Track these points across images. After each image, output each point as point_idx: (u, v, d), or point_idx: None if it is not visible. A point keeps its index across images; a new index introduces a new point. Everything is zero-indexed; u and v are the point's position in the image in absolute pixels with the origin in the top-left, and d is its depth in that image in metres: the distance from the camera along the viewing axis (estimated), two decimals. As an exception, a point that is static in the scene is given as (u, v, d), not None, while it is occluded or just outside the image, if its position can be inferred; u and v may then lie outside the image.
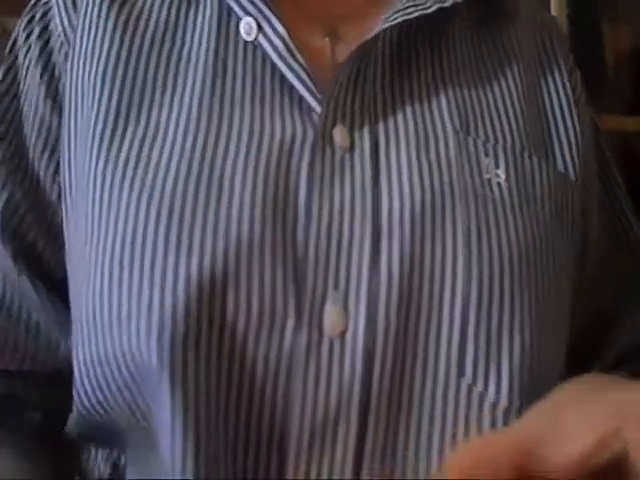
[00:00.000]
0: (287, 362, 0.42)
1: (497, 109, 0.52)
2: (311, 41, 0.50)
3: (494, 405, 0.43)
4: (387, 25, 0.48)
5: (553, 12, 1.11)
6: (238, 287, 0.42)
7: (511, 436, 0.26)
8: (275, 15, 0.47)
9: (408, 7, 0.49)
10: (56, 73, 0.51)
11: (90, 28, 0.50)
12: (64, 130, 0.50)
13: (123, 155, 0.45)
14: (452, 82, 0.51)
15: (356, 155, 0.46)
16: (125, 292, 0.42)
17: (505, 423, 0.44)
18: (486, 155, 0.49)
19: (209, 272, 0.41)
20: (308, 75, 0.46)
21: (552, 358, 0.48)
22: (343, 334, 0.42)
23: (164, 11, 0.50)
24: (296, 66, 0.47)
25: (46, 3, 0.53)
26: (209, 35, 0.49)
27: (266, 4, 0.48)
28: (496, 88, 0.53)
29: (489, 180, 0.47)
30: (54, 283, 0.52)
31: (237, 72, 0.48)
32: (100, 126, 0.47)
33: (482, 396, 0.43)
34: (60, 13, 0.51)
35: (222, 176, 0.44)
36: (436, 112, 0.49)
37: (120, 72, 0.48)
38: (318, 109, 0.46)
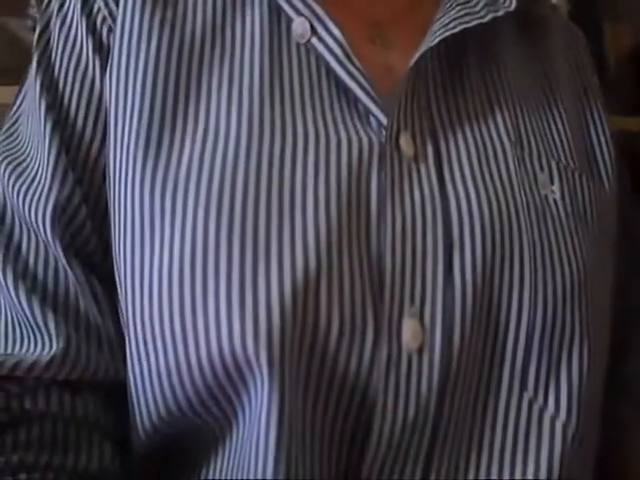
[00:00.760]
0: (366, 376, 0.41)
1: (547, 123, 0.52)
2: (358, 43, 0.48)
3: (553, 419, 0.45)
4: (448, 33, 0.46)
5: (554, 11, 1.09)
6: (318, 303, 0.40)
7: None
8: (329, 16, 0.46)
9: (464, 15, 0.47)
10: (104, 40, 0.48)
11: (133, 21, 0.46)
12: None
13: (185, 162, 0.43)
14: (504, 94, 0.50)
15: (421, 164, 0.45)
16: (223, 297, 0.40)
17: (564, 436, 0.46)
18: (541, 170, 0.48)
19: (290, 288, 0.40)
20: (366, 80, 0.45)
21: (600, 372, 0.50)
22: (421, 349, 0.42)
23: (209, 10, 0.47)
24: (354, 70, 0.45)
25: None
26: (261, 36, 0.46)
27: (319, 4, 0.46)
28: (544, 101, 0.53)
29: (546, 196, 0.47)
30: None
31: (293, 75, 0.45)
32: (145, 129, 0.44)
33: (542, 410, 0.45)
34: None
35: (293, 187, 0.42)
36: (491, 124, 0.48)
37: (172, 73, 0.45)
38: (380, 115, 0.44)
